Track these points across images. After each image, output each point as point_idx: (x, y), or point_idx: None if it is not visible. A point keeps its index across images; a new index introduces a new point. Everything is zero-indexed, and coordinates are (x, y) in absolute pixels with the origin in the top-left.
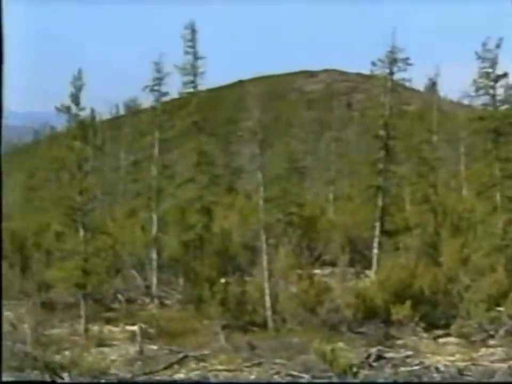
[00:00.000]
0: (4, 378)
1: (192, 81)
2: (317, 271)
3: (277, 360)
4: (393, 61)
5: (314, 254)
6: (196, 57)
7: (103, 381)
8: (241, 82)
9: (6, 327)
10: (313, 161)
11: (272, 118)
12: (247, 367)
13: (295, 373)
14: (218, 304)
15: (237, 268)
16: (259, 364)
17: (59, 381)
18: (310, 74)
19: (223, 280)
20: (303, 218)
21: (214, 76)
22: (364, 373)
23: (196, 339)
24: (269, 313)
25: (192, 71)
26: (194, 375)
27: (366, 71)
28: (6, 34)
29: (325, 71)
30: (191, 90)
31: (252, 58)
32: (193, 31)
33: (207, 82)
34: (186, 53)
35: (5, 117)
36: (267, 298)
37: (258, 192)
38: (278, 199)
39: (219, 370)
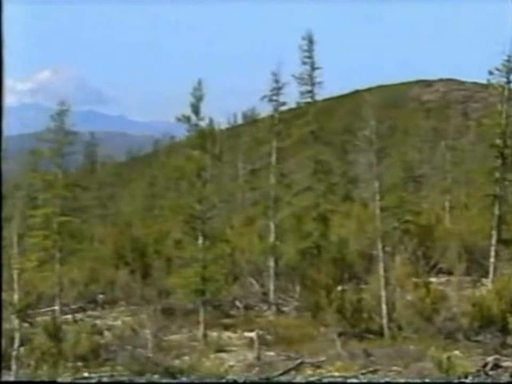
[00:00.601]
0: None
1: (310, 91)
2: (433, 279)
3: (393, 368)
4: (510, 70)
5: (430, 262)
6: (313, 67)
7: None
8: (358, 91)
9: (127, 332)
10: (429, 170)
11: (388, 127)
12: (363, 374)
13: (411, 380)
14: (335, 311)
15: (353, 276)
16: (375, 371)
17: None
18: (426, 83)
19: (339, 288)
20: (420, 227)
21: (331, 86)
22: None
23: (312, 346)
24: (385, 321)
25: (310, 81)
26: (311, 382)
27: (482, 80)
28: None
29: (441, 80)
30: (309, 100)
31: (369, 68)
32: (311, 42)
33: (324, 92)
34: (304, 63)
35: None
36: (383, 306)
37: (374, 200)
38: (395, 207)
39: (335, 377)
